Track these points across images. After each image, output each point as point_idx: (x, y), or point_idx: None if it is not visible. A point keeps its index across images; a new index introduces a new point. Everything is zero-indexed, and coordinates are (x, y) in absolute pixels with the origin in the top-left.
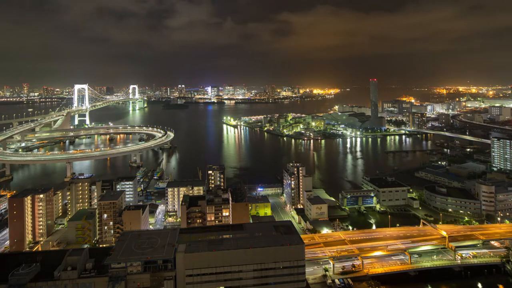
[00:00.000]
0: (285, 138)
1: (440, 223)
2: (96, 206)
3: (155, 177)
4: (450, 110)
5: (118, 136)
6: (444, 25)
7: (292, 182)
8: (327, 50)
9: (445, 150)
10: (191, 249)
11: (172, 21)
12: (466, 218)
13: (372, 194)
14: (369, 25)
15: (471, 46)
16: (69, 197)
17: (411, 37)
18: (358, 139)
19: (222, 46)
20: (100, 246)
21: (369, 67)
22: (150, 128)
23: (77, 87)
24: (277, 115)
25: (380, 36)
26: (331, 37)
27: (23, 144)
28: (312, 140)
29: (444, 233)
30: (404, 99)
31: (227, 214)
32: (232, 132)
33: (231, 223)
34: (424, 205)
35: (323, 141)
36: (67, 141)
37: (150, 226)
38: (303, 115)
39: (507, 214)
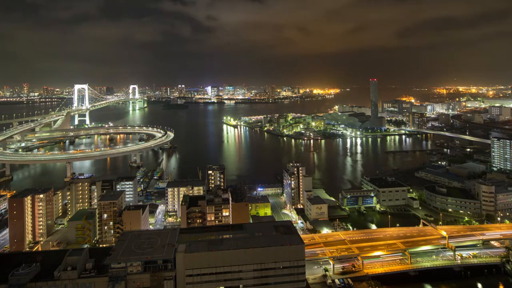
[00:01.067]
0: (285, 138)
1: (440, 223)
2: (96, 206)
3: (155, 177)
4: (450, 110)
5: (118, 136)
6: (376, 15)
7: (292, 182)
8: (271, 48)
9: (445, 150)
10: (191, 249)
11: (57, 13)
12: (466, 218)
13: (372, 194)
14: (278, 16)
15: (427, 42)
16: (69, 197)
17: (343, 31)
18: (358, 139)
19: (145, 43)
20: (100, 246)
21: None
22: (150, 128)
23: (77, 87)
24: (277, 115)
25: (305, 29)
26: (256, 33)
27: (23, 144)
28: (312, 140)
29: (444, 233)
30: (404, 99)
31: (227, 214)
32: (232, 132)
33: (231, 223)
34: (424, 205)
35: (323, 141)
36: (67, 141)
37: (150, 226)
38: (303, 115)
39: (507, 214)
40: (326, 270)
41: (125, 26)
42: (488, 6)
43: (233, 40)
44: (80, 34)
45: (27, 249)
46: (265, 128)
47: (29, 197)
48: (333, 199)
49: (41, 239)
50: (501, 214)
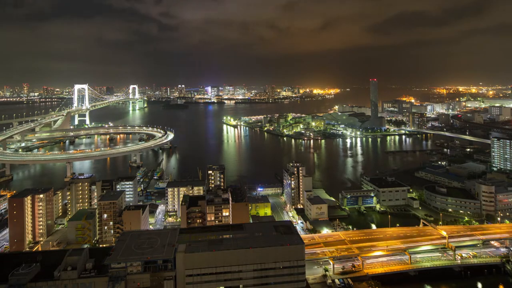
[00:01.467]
0: (285, 138)
1: (440, 223)
2: (96, 206)
3: (155, 177)
4: (450, 110)
5: (118, 136)
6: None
7: (292, 182)
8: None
9: (445, 150)
10: (191, 249)
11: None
12: (466, 218)
13: (372, 194)
14: (237, 13)
15: (404, 40)
16: (69, 197)
17: (312, 27)
18: (358, 139)
19: (115, 42)
20: (100, 246)
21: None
22: (150, 128)
23: (77, 87)
24: (277, 115)
25: (274, 26)
26: (226, 31)
27: (23, 144)
28: (312, 140)
29: (444, 233)
30: (404, 99)
31: (227, 214)
32: (232, 132)
33: (231, 223)
34: (424, 205)
35: (323, 141)
36: (67, 141)
37: (150, 226)
38: (303, 115)
39: (507, 214)
40: (326, 270)
41: (83, 24)
42: (455, 2)
43: (206, 38)
44: (42, 32)
45: (27, 249)
46: (265, 128)
47: (29, 197)
48: (333, 199)
49: (41, 239)
50: (501, 214)
